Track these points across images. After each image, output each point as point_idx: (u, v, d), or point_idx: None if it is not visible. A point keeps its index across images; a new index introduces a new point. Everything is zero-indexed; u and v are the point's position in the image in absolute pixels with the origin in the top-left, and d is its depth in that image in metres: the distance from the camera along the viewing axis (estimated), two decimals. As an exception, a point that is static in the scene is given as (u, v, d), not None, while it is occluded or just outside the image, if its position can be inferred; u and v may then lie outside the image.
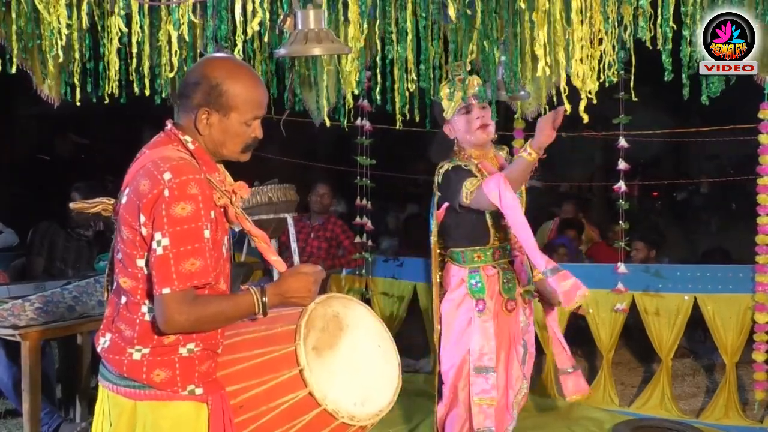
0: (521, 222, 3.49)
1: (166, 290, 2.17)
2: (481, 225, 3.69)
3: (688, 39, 3.59)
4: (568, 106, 3.36)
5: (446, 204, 3.72)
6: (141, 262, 2.24)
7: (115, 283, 2.36)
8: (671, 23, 3.50)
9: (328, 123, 4.25)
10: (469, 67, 3.76)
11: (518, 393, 3.77)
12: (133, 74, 4.03)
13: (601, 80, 3.52)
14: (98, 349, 2.35)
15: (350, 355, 2.42)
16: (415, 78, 3.92)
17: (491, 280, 3.71)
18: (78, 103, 4.16)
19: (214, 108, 2.30)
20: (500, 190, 3.44)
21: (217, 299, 2.28)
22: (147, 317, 2.26)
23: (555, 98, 3.67)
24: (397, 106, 4.24)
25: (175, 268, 2.17)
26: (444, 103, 3.75)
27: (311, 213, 6.58)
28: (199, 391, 2.28)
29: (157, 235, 2.17)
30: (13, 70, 4.07)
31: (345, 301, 2.52)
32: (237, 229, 2.43)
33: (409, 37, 3.71)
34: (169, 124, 2.37)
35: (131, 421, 2.29)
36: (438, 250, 3.83)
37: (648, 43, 3.54)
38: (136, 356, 2.26)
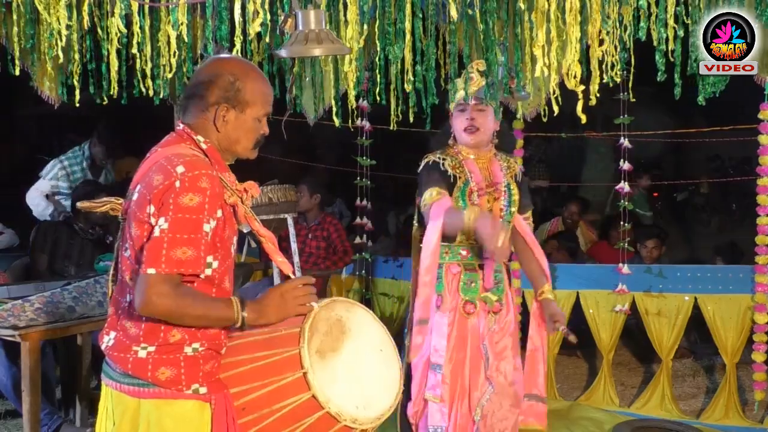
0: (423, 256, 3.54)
1: (151, 270, 2.18)
2: None
3: (685, 38, 3.59)
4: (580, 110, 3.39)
5: None
6: None
7: (119, 281, 2.36)
8: (671, 23, 3.49)
9: (337, 123, 4.25)
10: (483, 68, 3.74)
11: (482, 397, 3.64)
12: (138, 74, 4.04)
13: (605, 81, 3.51)
14: (102, 347, 2.35)
15: (353, 359, 2.42)
16: (413, 78, 3.92)
17: (453, 278, 3.67)
18: (77, 104, 4.16)
19: (232, 104, 2.35)
20: (432, 224, 3.49)
21: (199, 295, 2.27)
22: None
23: (561, 98, 3.66)
24: (392, 106, 4.24)
25: (166, 252, 2.18)
26: (450, 95, 3.78)
27: (306, 214, 6.55)
28: (203, 390, 2.29)
29: (161, 221, 2.20)
30: (15, 72, 4.06)
31: (348, 305, 2.53)
32: (246, 230, 2.44)
33: (408, 37, 3.71)
34: (181, 125, 2.40)
35: (135, 419, 2.29)
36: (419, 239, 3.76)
37: (654, 42, 3.54)
38: (142, 354, 2.26)
